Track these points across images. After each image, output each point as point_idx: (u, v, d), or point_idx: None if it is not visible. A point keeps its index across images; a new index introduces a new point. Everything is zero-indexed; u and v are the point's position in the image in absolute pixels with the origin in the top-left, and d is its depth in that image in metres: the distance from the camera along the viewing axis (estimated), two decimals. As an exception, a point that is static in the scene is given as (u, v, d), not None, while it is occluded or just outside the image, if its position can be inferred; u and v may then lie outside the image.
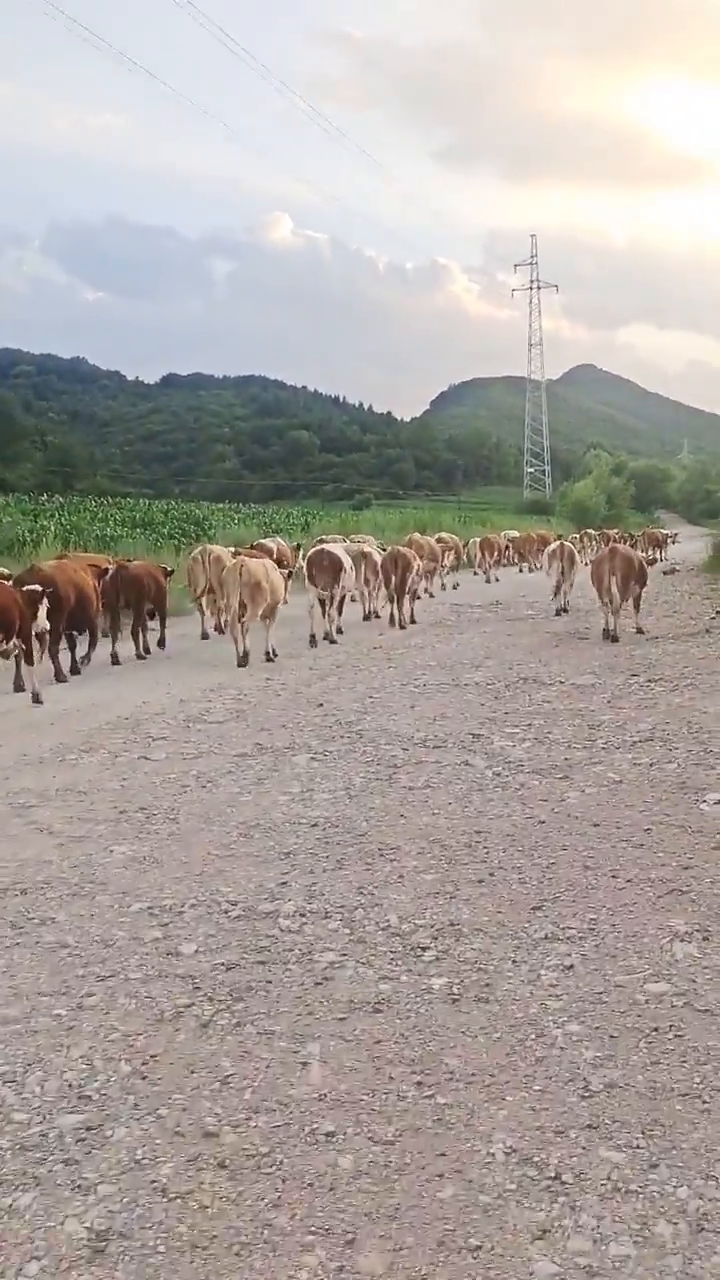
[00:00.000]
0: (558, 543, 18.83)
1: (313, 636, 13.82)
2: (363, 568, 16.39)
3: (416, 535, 23.33)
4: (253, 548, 18.69)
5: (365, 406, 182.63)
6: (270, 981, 3.92)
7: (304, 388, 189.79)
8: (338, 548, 15.86)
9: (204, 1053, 3.43)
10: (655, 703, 8.94)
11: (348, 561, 14.77)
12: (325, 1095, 3.18)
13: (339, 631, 14.50)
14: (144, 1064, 3.36)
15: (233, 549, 16.10)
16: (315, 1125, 3.03)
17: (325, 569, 14.04)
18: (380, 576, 16.49)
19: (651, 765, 6.89)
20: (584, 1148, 2.89)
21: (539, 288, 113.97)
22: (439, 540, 23.95)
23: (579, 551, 20.11)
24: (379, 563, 16.51)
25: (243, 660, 12.03)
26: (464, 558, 26.74)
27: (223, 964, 4.05)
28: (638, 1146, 2.89)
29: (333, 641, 14.03)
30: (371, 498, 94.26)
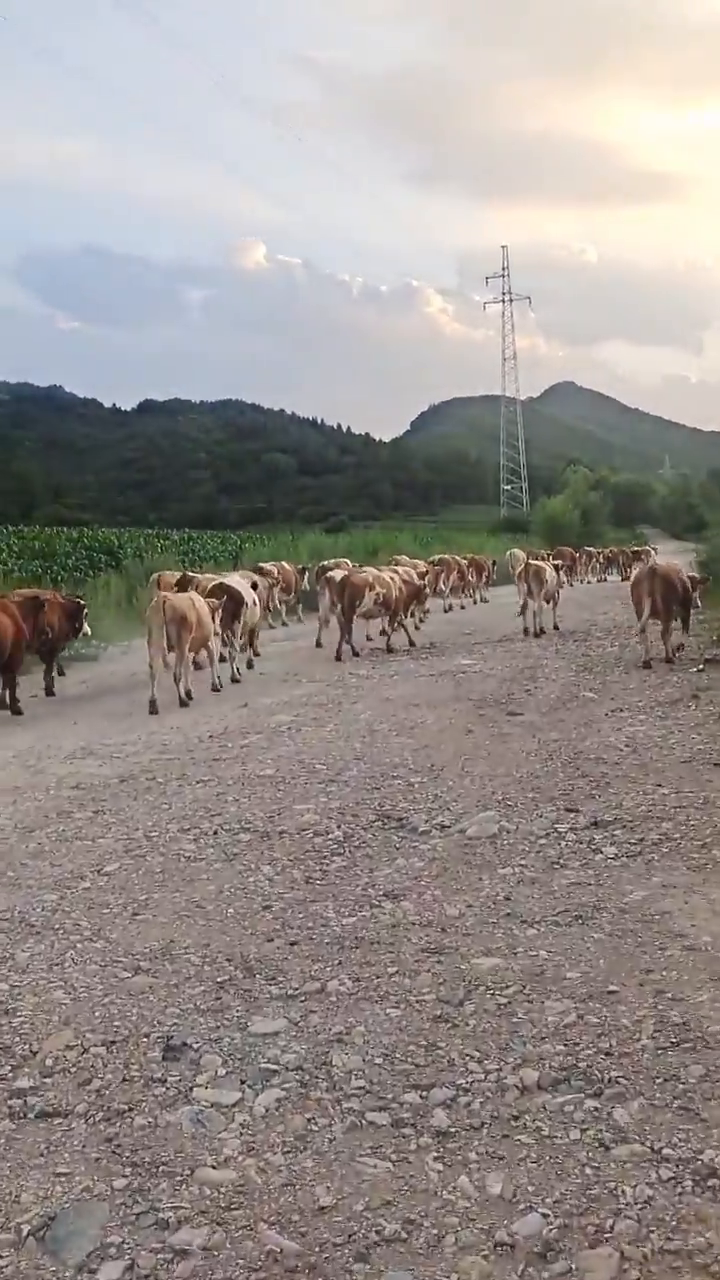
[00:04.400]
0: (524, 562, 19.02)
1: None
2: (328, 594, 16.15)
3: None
4: (257, 570, 19.00)
5: (344, 428, 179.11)
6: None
7: (282, 411, 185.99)
8: (236, 578, 15.44)
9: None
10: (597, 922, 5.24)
11: (249, 595, 14.29)
12: None
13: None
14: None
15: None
16: None
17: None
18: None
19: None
20: None
21: (511, 300, 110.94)
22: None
23: (560, 570, 20.21)
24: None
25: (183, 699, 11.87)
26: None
27: None
28: None
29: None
30: (347, 520, 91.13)
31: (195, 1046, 3.77)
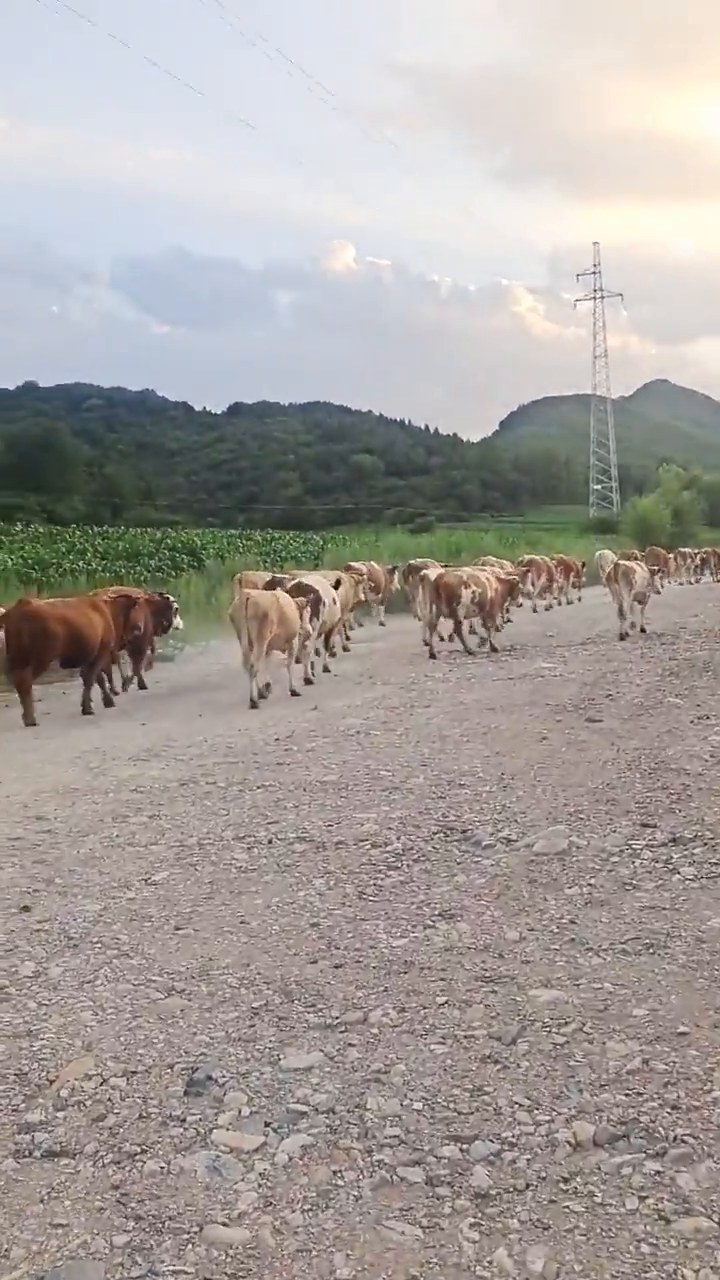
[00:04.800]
0: (614, 563, 18.52)
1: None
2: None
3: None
4: (346, 569, 18.94)
5: (431, 429, 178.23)
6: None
7: (369, 412, 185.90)
8: (316, 578, 15.35)
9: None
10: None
11: (328, 595, 14.22)
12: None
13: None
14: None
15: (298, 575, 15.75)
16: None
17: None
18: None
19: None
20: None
21: (603, 297, 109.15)
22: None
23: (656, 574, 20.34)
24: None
25: (254, 700, 11.77)
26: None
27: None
28: None
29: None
30: (435, 521, 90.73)
31: (220, 1081, 3.48)
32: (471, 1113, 3.24)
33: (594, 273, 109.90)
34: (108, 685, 12.98)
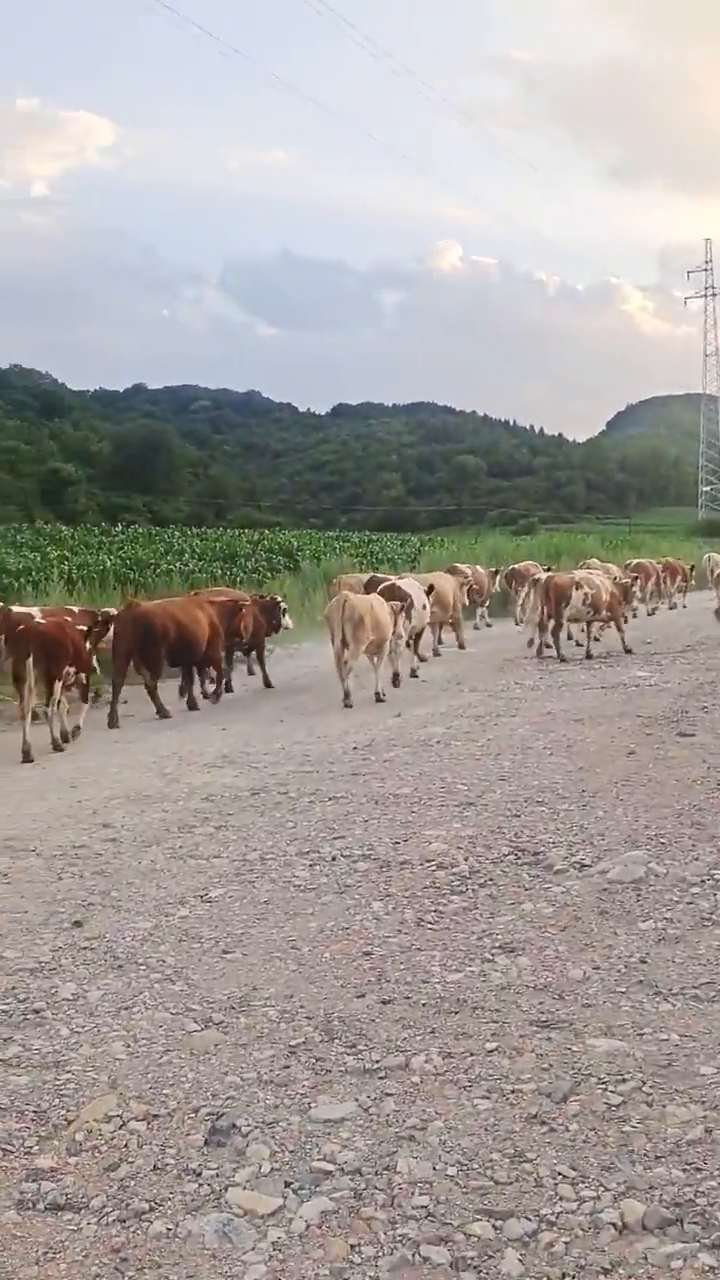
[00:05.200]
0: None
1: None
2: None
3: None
4: (451, 571, 18.75)
5: (536, 429, 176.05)
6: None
7: (473, 413, 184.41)
8: (410, 581, 15.13)
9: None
10: None
11: (419, 599, 14.13)
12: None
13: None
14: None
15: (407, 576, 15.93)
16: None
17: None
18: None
19: None
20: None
21: (714, 294, 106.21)
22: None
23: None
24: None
25: (348, 700, 11.87)
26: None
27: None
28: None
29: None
30: (537, 522, 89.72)
31: (244, 1130, 3.25)
32: (509, 1183, 2.94)
33: (705, 269, 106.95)
34: (196, 689, 12.95)
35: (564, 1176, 2.95)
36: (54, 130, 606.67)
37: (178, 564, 23.68)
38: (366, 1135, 3.21)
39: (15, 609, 11.66)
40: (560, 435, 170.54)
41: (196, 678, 13.06)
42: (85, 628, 11.24)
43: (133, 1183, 3.02)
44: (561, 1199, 2.86)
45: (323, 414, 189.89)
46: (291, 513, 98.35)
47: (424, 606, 14.53)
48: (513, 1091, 3.41)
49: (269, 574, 24.61)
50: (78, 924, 5.22)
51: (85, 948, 4.88)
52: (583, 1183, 2.92)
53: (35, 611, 11.39)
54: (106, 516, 56.49)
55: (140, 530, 32.92)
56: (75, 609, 12.34)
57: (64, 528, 33.69)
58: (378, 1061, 3.65)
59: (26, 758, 9.77)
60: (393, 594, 13.57)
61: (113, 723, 11.44)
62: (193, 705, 12.64)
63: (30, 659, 9.95)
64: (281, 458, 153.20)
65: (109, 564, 21.94)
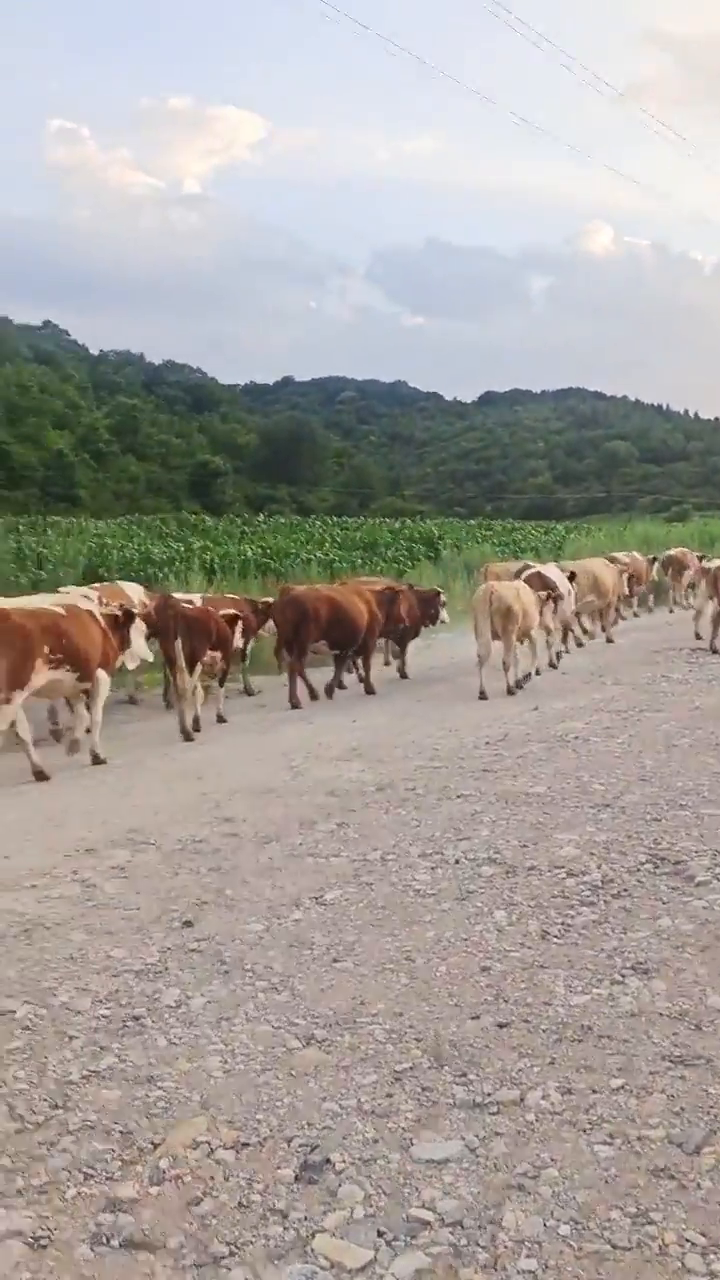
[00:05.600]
0: None
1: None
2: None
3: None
4: (609, 560, 18.20)
5: (691, 414, 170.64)
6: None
7: (624, 397, 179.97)
8: (552, 569, 14.84)
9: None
10: None
11: (564, 587, 13.83)
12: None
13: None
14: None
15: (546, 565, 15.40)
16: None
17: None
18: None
19: None
20: None
21: None
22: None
23: None
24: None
25: (512, 689, 11.76)
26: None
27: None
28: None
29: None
30: (691, 509, 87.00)
31: (339, 1168, 2.98)
32: (629, 1248, 2.59)
33: None
34: (335, 677, 12.84)
35: (691, 1245, 2.59)
36: (203, 127, 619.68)
37: (317, 553, 23.68)
38: (472, 1181, 2.89)
39: (175, 595, 11.97)
40: (717, 419, 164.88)
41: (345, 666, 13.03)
42: (234, 613, 11.61)
43: (214, 1221, 2.78)
44: (689, 1272, 2.50)
45: (469, 402, 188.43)
46: (436, 502, 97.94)
47: (568, 594, 14.08)
48: (639, 1138, 3.05)
49: (409, 563, 24.40)
50: (188, 923, 5.06)
51: (193, 950, 4.70)
52: (713, 1255, 2.55)
53: (196, 599, 11.70)
54: (252, 507, 57.38)
55: (283, 520, 33.17)
56: (234, 596, 12.96)
57: (208, 519, 34.22)
58: (489, 1095, 3.33)
59: (187, 737, 10.16)
60: (541, 583, 13.17)
61: (294, 704, 11.74)
62: (334, 690, 12.55)
63: (179, 641, 10.24)
64: (427, 447, 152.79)
65: (249, 553, 22.10)
